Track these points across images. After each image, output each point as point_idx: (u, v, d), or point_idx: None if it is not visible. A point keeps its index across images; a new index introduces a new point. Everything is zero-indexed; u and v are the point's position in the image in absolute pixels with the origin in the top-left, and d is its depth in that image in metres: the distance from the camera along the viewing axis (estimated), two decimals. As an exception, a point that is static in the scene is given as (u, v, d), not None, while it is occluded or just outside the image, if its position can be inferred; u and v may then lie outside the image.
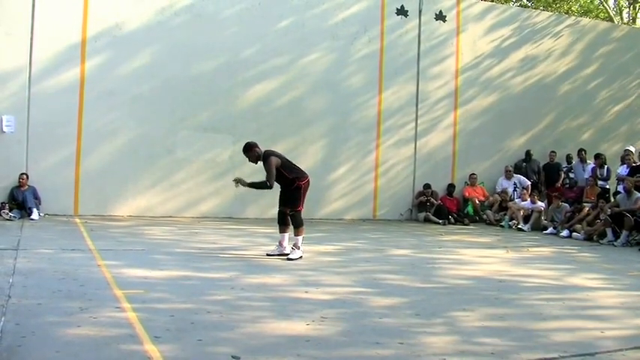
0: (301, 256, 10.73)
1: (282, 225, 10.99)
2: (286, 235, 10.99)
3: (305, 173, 11.04)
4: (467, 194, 19.54)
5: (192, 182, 16.73)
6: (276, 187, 10.94)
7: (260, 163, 10.86)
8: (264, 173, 10.65)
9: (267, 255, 10.88)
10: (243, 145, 11.03)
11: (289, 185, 10.81)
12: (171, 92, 16.41)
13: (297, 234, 10.81)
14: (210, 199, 16.90)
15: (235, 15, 17.05)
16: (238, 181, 10.88)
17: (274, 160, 10.66)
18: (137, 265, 9.45)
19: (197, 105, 16.69)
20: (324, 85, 18.03)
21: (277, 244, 11.04)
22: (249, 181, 10.86)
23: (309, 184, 11.03)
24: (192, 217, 16.48)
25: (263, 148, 11.07)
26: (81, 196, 15.71)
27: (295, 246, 10.77)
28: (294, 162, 11.18)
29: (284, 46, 17.53)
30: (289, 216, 10.91)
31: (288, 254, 10.75)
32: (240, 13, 17.09)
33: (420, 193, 18.92)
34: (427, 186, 18.79)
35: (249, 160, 10.97)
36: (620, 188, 16.96)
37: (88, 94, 15.68)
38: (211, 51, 16.81)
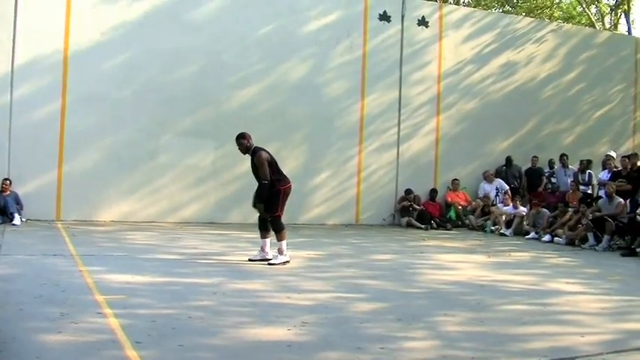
0: (288, 261, 10.70)
1: (263, 230, 10.95)
2: (267, 240, 10.94)
3: (287, 179, 10.99)
4: (449, 199, 19.60)
5: (174, 187, 16.70)
6: (254, 186, 10.88)
7: (247, 156, 10.93)
8: (249, 173, 10.64)
9: (249, 260, 10.85)
10: (238, 133, 10.97)
11: (269, 189, 10.68)
12: (154, 97, 16.39)
13: (279, 239, 10.75)
14: (193, 204, 16.89)
15: (218, 19, 17.06)
16: (257, 206, 10.85)
17: (265, 155, 10.65)
18: (119, 270, 9.43)
19: (179, 110, 16.68)
20: (306, 90, 18.05)
21: (259, 249, 11.00)
22: (256, 201, 10.83)
23: (290, 189, 10.98)
24: (175, 222, 16.45)
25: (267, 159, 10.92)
26: (63, 201, 15.66)
27: (279, 251, 10.73)
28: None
29: (266, 51, 17.55)
30: (269, 222, 10.86)
31: (269, 259, 10.74)
32: (222, 18, 17.10)
33: (403, 199, 18.95)
34: (409, 191, 18.83)
35: (239, 149, 10.93)
36: (601, 193, 17.06)
37: (70, 99, 15.65)
38: (193, 56, 16.81)
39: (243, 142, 10.83)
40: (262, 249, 10.94)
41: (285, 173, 11.11)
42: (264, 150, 10.82)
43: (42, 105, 15.42)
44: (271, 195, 10.68)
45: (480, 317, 7.46)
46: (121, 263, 10.15)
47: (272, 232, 10.94)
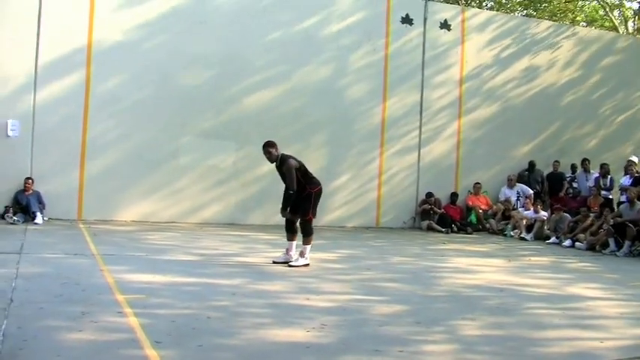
0: (307, 264, 10.69)
1: (290, 233, 10.93)
2: (294, 243, 10.91)
3: (318, 181, 10.97)
4: (470, 203, 19.54)
5: (195, 188, 16.76)
6: (275, 187, 10.85)
7: (274, 165, 10.94)
8: (276, 177, 10.63)
9: (273, 262, 10.84)
10: (265, 141, 10.91)
11: (300, 192, 10.66)
12: (175, 98, 16.46)
13: (305, 242, 10.75)
14: (213, 205, 16.93)
15: (239, 22, 17.10)
16: (285, 214, 10.81)
17: (293, 163, 10.62)
18: (139, 270, 9.48)
19: (200, 111, 16.75)
20: (327, 93, 18.06)
21: (284, 251, 10.97)
22: (282, 208, 10.80)
23: (321, 192, 10.98)
24: (195, 223, 16.50)
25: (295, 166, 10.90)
26: (85, 200, 15.75)
27: (301, 254, 10.72)
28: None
29: (288, 53, 17.57)
30: (299, 224, 10.85)
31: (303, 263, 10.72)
32: (244, 20, 17.13)
33: (423, 202, 18.93)
34: (430, 195, 18.80)
35: (266, 157, 10.88)
36: (623, 198, 16.96)
37: (93, 100, 15.75)
38: (215, 58, 16.86)
39: (271, 150, 10.78)
40: (287, 251, 10.90)
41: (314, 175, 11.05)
42: (292, 157, 10.77)
43: (65, 105, 15.53)
44: (302, 198, 10.67)
45: (499, 321, 7.45)
46: (142, 263, 10.21)
47: (298, 235, 10.91)
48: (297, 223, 10.91)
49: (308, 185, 10.73)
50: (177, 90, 16.48)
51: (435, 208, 18.77)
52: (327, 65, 18.10)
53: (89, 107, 15.74)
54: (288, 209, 10.74)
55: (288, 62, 17.61)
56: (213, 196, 16.89)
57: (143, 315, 6.71)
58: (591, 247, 15.61)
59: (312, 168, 16.14)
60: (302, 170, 10.75)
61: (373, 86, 18.62)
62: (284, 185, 10.76)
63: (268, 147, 10.81)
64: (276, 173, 10.97)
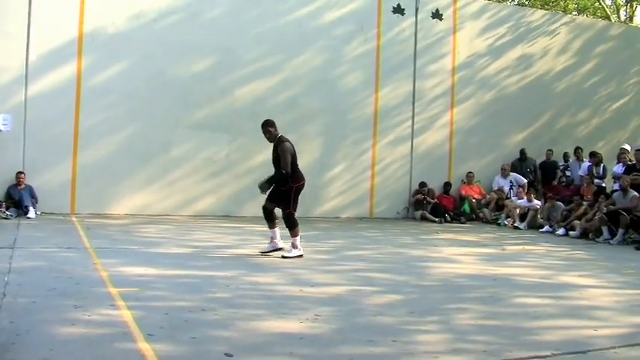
0: (301, 255, 10.71)
1: (270, 221, 10.88)
2: (276, 229, 10.90)
3: (302, 176, 10.92)
4: (463, 192, 19.55)
5: (188, 180, 16.74)
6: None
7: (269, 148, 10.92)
8: (263, 166, 10.61)
9: (262, 253, 10.87)
10: (265, 120, 10.97)
11: (283, 184, 10.66)
12: (168, 90, 16.43)
13: (293, 235, 10.75)
14: (207, 197, 16.92)
15: (231, 13, 17.07)
16: (261, 187, 10.73)
17: (288, 147, 10.62)
18: (133, 263, 9.48)
19: (193, 103, 16.71)
20: (320, 84, 18.05)
21: (269, 240, 10.99)
22: (265, 180, 10.75)
23: (303, 187, 10.93)
24: (189, 216, 16.49)
25: (263, 144, 11.09)
26: (77, 194, 15.72)
27: (293, 246, 10.73)
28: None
29: (280, 44, 17.54)
30: (283, 218, 10.83)
31: (281, 248, 10.77)
32: (236, 11, 17.11)
33: (417, 192, 18.95)
34: (423, 184, 18.82)
35: (265, 136, 10.89)
36: (615, 186, 16.99)
37: (85, 92, 15.70)
38: (208, 49, 16.83)
39: (270, 129, 10.82)
40: (272, 240, 10.92)
41: (300, 169, 11.00)
42: (289, 142, 10.77)
43: (56, 98, 15.47)
44: (284, 191, 10.68)
45: (492, 310, 7.46)
46: (135, 256, 10.20)
47: (279, 223, 10.91)
48: (274, 211, 10.88)
49: (291, 178, 10.68)
50: (170, 82, 16.44)
51: (429, 198, 18.78)
52: (320, 56, 18.07)
53: (81, 100, 15.69)
54: (267, 194, 10.75)
55: (281, 53, 17.57)
56: (207, 188, 16.86)
57: (136, 308, 6.71)
58: (585, 234, 15.64)
59: (306, 159, 16.38)
60: (293, 161, 10.72)
61: (366, 76, 18.61)
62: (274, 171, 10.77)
63: (268, 126, 10.85)
64: (271, 165, 10.90)
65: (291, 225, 10.74)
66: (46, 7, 15.33)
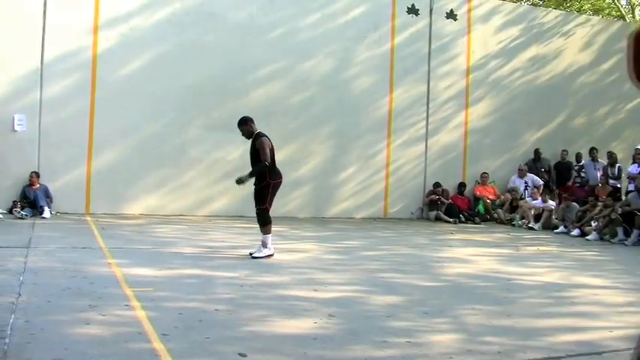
0: (272, 254, 10.49)
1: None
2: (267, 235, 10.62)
3: (280, 174, 10.77)
4: (478, 193, 19.52)
5: (203, 181, 16.77)
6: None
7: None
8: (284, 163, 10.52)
9: (251, 256, 10.51)
10: (241, 118, 10.92)
11: (260, 180, 10.53)
12: (182, 91, 16.45)
13: (264, 232, 10.53)
14: (221, 198, 16.93)
15: (246, 14, 17.08)
16: (240, 181, 10.63)
17: (267, 141, 10.49)
18: (147, 263, 9.50)
19: (208, 104, 16.74)
20: (334, 84, 18.04)
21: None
22: (246, 174, 10.66)
23: (280, 184, 10.77)
24: (203, 216, 16.53)
25: (276, 144, 10.96)
26: (92, 194, 15.78)
27: (263, 244, 10.52)
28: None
29: (294, 45, 17.55)
30: (256, 214, 10.65)
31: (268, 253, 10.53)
32: (250, 13, 17.12)
33: (431, 192, 18.92)
34: (437, 185, 18.78)
35: (243, 134, 10.83)
36: (631, 187, 16.92)
37: (99, 93, 15.75)
38: (222, 50, 16.84)
39: (245, 128, 10.76)
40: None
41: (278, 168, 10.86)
42: (268, 137, 10.62)
43: (71, 100, 15.53)
44: (261, 187, 10.53)
45: (506, 311, 7.44)
46: (149, 256, 10.23)
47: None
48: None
49: (269, 175, 10.52)
50: (184, 83, 16.46)
51: (443, 198, 18.75)
52: (333, 57, 18.07)
53: (96, 102, 15.75)
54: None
55: (295, 54, 17.57)
56: (221, 188, 16.85)
57: (150, 308, 6.73)
58: (600, 232, 15.49)
59: (319, 159, 16.44)
60: (271, 156, 10.58)
61: (379, 77, 18.58)
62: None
63: (245, 124, 10.79)
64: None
65: (264, 221, 10.52)
66: (61, 9, 15.38)
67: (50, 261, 9.29)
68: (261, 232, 10.61)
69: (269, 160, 10.42)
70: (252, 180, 10.66)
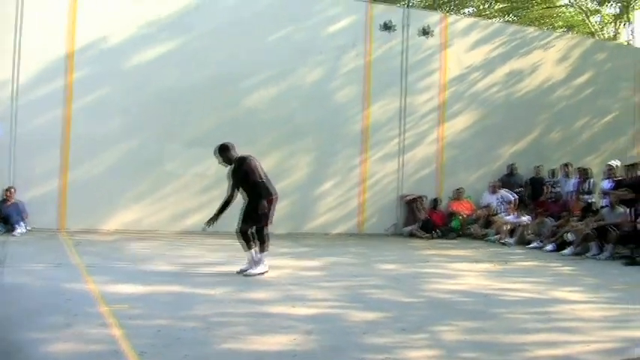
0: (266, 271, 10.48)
1: (248, 242, 10.47)
2: (253, 251, 10.52)
3: (275, 190, 10.65)
4: (453, 208, 19.57)
5: (179, 196, 16.68)
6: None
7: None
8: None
9: (240, 273, 10.47)
10: (219, 145, 10.77)
11: (251, 201, 10.40)
12: (159, 105, 16.39)
13: (263, 250, 10.51)
14: (198, 213, 16.76)
15: (224, 28, 17.05)
16: (211, 222, 10.55)
17: (255, 163, 10.40)
18: (123, 280, 9.44)
19: (185, 118, 16.68)
20: (312, 99, 18.06)
21: (261, 263, 10.60)
22: (215, 212, 10.58)
23: (277, 201, 10.70)
24: (179, 232, 16.42)
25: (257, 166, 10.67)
26: (67, 209, 15.65)
27: (260, 261, 10.48)
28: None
29: (273, 60, 17.53)
30: (257, 232, 10.52)
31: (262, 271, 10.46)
32: (228, 27, 17.08)
33: (413, 199, 18.84)
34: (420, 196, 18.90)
35: (223, 162, 10.71)
36: (604, 202, 17.03)
37: (76, 107, 15.64)
38: (200, 64, 16.80)
39: (227, 154, 10.59)
40: (252, 260, 10.52)
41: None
42: (253, 158, 10.53)
43: (47, 112, 15.41)
44: (252, 207, 10.35)
45: (483, 326, 7.47)
46: (126, 273, 10.16)
47: (268, 243, 10.64)
48: (249, 232, 10.50)
49: (266, 192, 10.41)
50: (162, 97, 16.39)
51: (422, 209, 18.72)
52: (312, 72, 18.08)
53: (72, 114, 15.63)
54: (242, 216, 10.49)
55: (273, 69, 17.55)
56: (198, 204, 16.73)
57: (127, 325, 6.69)
58: (580, 243, 15.50)
59: (298, 174, 16.41)
60: (265, 175, 10.52)
61: (357, 92, 18.62)
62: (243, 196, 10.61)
63: (224, 151, 10.61)
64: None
65: (264, 239, 10.48)
66: (37, 21, 15.26)
67: (25, 278, 9.20)
68: (260, 250, 10.49)
69: (262, 178, 10.34)
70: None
